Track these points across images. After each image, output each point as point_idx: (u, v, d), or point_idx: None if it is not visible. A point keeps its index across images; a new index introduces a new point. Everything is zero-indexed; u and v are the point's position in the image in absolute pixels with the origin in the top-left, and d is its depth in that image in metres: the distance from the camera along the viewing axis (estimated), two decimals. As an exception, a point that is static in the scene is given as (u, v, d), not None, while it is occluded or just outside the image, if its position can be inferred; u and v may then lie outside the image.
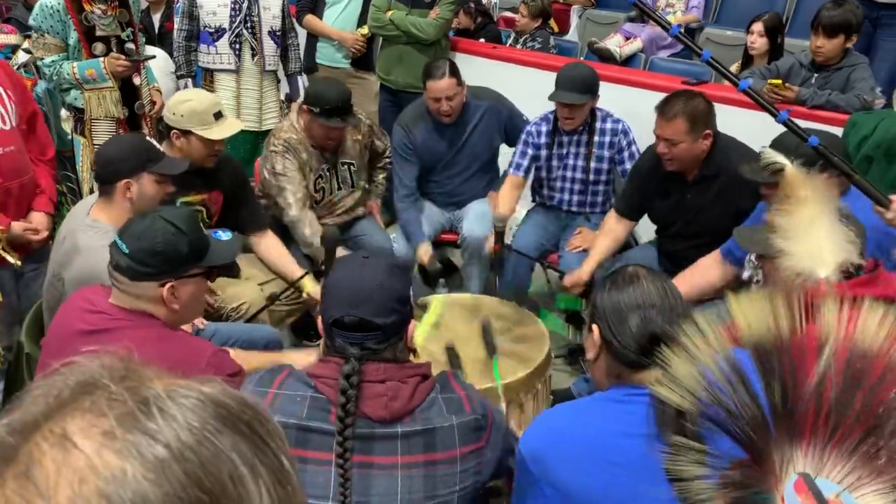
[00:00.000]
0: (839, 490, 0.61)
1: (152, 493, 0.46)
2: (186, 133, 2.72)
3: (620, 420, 1.39)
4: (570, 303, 3.48)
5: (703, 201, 2.90)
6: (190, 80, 3.77)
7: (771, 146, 2.39)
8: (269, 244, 2.99)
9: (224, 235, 2.02)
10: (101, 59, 3.16)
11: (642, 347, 1.39)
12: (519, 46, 4.88)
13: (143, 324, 1.77)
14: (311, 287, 2.82)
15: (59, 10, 3.10)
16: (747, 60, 4.29)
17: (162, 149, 2.67)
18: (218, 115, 2.77)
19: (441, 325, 2.56)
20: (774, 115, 2.08)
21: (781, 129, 2.43)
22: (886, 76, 3.92)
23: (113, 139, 2.86)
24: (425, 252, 3.40)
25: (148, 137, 2.98)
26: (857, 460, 0.63)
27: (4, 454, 0.48)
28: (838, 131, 3.22)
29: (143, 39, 3.53)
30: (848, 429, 0.64)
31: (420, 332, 2.15)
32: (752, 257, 2.58)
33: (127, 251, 1.76)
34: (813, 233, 1.29)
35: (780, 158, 1.74)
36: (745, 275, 2.57)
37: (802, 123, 2.47)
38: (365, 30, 4.18)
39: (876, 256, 1.86)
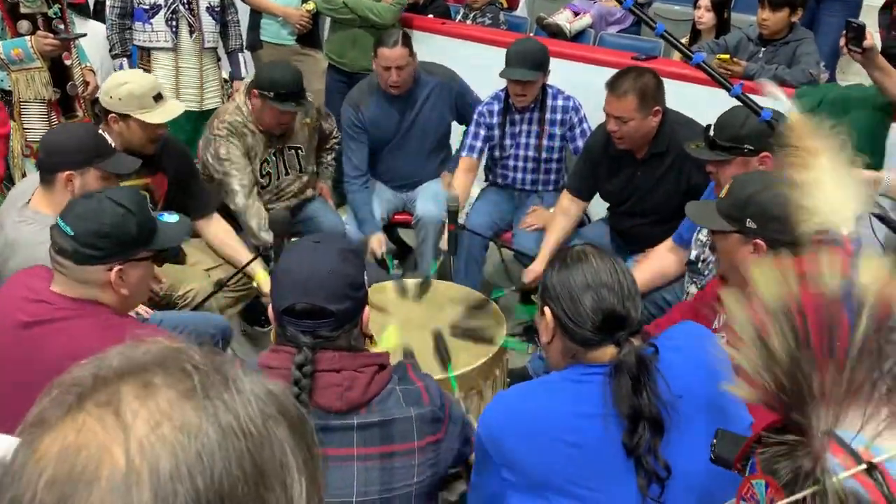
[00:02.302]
0: (868, 442, 0.65)
1: (218, 455, 0.49)
2: (125, 117, 2.60)
3: (577, 400, 1.38)
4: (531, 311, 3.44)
5: (653, 179, 2.90)
6: (125, 59, 3.61)
7: (719, 120, 2.39)
8: (216, 229, 2.89)
9: (170, 218, 1.93)
10: (28, 37, 2.99)
11: (596, 326, 1.38)
12: (469, 22, 4.81)
13: (89, 313, 1.68)
14: (262, 276, 2.74)
15: (-22, -14, 2.93)
16: (695, 35, 4.31)
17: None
18: (158, 98, 2.65)
19: (401, 317, 2.51)
20: (728, 89, 2.08)
21: (730, 103, 2.45)
22: (829, 51, 3.97)
23: (64, 128, 2.73)
24: (377, 241, 3.34)
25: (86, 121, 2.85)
26: (871, 407, 0.67)
27: (87, 389, 0.51)
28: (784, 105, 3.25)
29: (73, 16, 3.35)
30: (858, 378, 0.67)
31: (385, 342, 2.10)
32: (700, 235, 2.60)
33: (72, 233, 1.66)
34: (831, 186, 1.29)
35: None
36: (693, 254, 2.59)
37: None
38: (310, 5, 4.06)
39: None
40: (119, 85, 2.62)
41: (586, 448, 1.35)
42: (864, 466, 0.63)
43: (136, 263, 1.74)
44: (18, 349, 1.63)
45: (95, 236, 1.67)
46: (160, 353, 0.55)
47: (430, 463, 1.46)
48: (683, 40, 4.32)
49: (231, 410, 0.52)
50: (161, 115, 2.63)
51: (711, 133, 2.36)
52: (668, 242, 2.72)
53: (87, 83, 3.27)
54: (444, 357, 2.30)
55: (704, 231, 2.57)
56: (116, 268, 1.69)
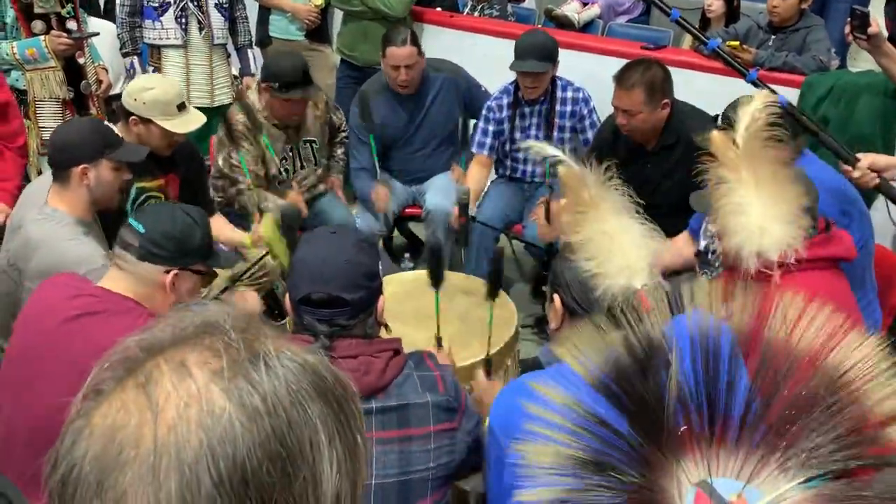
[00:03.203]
0: (741, 486, 0.57)
1: (241, 435, 0.51)
2: (147, 121, 2.63)
3: (587, 385, 1.39)
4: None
5: (662, 170, 2.90)
6: (136, 57, 3.64)
7: (726, 111, 2.39)
8: (217, 222, 2.94)
9: (224, 248, 2.03)
10: (42, 37, 3.02)
11: (606, 311, 1.39)
12: (476, 14, 4.81)
13: (133, 312, 1.73)
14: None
15: (-8, -13, 2.96)
16: (705, 24, 4.30)
17: (117, 131, 2.58)
18: (181, 107, 2.68)
19: (418, 306, 2.52)
20: (744, 75, 2.08)
21: (740, 92, 2.45)
22: (839, 37, 3.93)
23: (69, 123, 2.76)
24: (382, 190, 3.31)
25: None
26: (744, 447, 0.58)
27: (132, 365, 0.54)
28: (795, 92, 3.24)
29: (85, 15, 3.39)
30: (726, 420, 0.59)
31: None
32: (710, 226, 2.60)
33: (143, 231, 1.75)
34: (614, 244, 1.23)
35: (552, 151, 1.56)
36: (702, 244, 2.59)
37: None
38: (319, 1, 4.07)
39: (839, 221, 1.88)
40: (145, 89, 2.64)
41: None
42: None
43: (191, 275, 1.82)
44: (65, 340, 1.67)
45: (164, 237, 1.76)
46: (199, 328, 0.56)
47: (447, 450, 1.48)
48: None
49: (258, 391, 0.52)
50: (183, 124, 2.67)
51: (720, 121, 2.37)
52: (685, 235, 2.72)
53: (100, 81, 3.31)
54: (497, 278, 2.18)
55: (713, 222, 2.57)
56: (174, 272, 1.77)
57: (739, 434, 0.59)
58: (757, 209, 1.50)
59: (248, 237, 2.80)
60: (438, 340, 2.09)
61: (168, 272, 1.77)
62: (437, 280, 2.17)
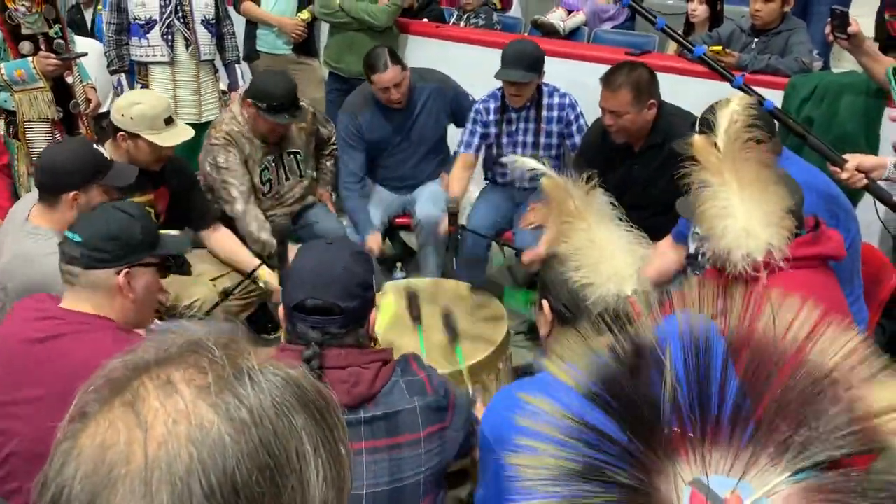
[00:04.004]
0: (734, 483, 0.58)
1: (230, 447, 0.52)
2: (135, 136, 2.64)
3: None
4: (520, 297, 3.46)
5: (650, 171, 2.93)
6: (124, 75, 3.65)
7: (703, 116, 2.41)
8: (220, 237, 2.93)
9: (171, 232, 2.00)
10: (30, 58, 3.03)
11: (594, 318, 1.41)
12: (462, 24, 4.84)
13: (99, 327, 1.71)
14: (269, 276, 2.77)
15: (-21, 10, 2.97)
16: (689, 29, 4.33)
17: (105, 148, 2.59)
18: (169, 121, 2.69)
19: (401, 314, 2.53)
20: (730, 80, 2.10)
21: (724, 96, 2.46)
22: (822, 39, 3.97)
23: (58, 146, 2.76)
24: (374, 241, 3.36)
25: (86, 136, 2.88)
26: (735, 445, 0.59)
27: (117, 385, 0.55)
28: (779, 94, 3.27)
29: (73, 35, 3.40)
30: (718, 419, 0.60)
31: (381, 322, 2.12)
32: (697, 230, 2.62)
33: (80, 240, 1.73)
34: (602, 252, 1.23)
35: (534, 164, 1.61)
36: (692, 247, 2.61)
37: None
38: (305, 14, 4.10)
39: (826, 220, 1.90)
40: (132, 104, 2.66)
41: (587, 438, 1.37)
42: None
43: (144, 269, 1.79)
44: (29, 365, 1.66)
45: (103, 240, 1.73)
46: (183, 348, 0.58)
47: (437, 451, 1.49)
48: (677, 34, 4.36)
49: (245, 404, 0.54)
50: (171, 138, 2.68)
51: (697, 128, 2.39)
52: (668, 239, 2.73)
53: (88, 101, 3.31)
54: (452, 330, 2.30)
55: (701, 225, 2.59)
56: (124, 270, 1.74)
57: (731, 432, 0.60)
58: (741, 212, 1.51)
59: (263, 271, 2.79)
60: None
61: (118, 273, 1.74)
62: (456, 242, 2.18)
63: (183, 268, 2.85)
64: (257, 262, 2.83)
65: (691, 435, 0.60)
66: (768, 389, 0.61)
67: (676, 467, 0.59)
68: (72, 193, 2.18)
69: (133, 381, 0.55)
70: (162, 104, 2.74)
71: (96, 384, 0.56)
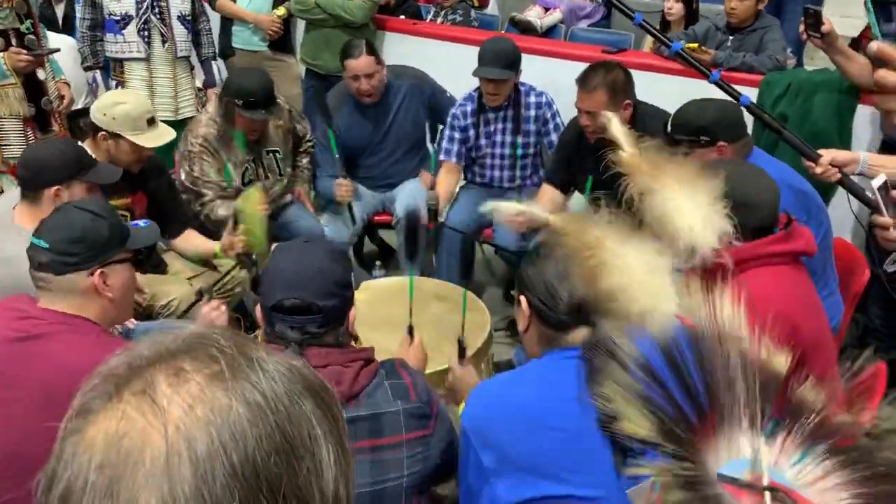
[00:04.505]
0: (766, 466, 0.61)
1: (248, 430, 0.53)
2: (116, 136, 2.61)
3: (556, 384, 1.42)
4: None
5: (627, 170, 2.94)
6: (99, 71, 3.60)
7: (674, 115, 2.43)
8: (188, 237, 2.92)
9: (142, 223, 1.97)
10: (1, 54, 2.98)
11: (570, 310, 1.43)
12: (439, 21, 4.84)
13: (78, 328, 1.68)
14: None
15: (-52, 4, 2.91)
16: (665, 27, 4.37)
17: (84, 146, 2.55)
18: (151, 122, 2.67)
19: (389, 314, 2.52)
20: (707, 76, 2.12)
21: (698, 94, 2.49)
22: (795, 37, 4.02)
23: (43, 144, 2.73)
24: (344, 187, 3.30)
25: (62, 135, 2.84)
26: (759, 434, 0.63)
27: (124, 379, 0.55)
28: (753, 91, 3.31)
29: (45, 31, 3.34)
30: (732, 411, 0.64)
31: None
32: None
33: (46, 245, 1.68)
34: (633, 276, 1.14)
35: (518, 208, 1.57)
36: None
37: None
38: (281, 11, 4.07)
39: (799, 217, 1.92)
40: (115, 104, 2.63)
41: (566, 431, 1.39)
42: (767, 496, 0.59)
43: (116, 266, 1.76)
44: (6, 366, 1.64)
45: (69, 243, 1.69)
46: (188, 340, 0.58)
47: (420, 457, 1.48)
48: (653, 32, 4.39)
49: (258, 389, 0.55)
50: (153, 139, 2.66)
51: (668, 129, 2.41)
52: None
53: (62, 97, 3.27)
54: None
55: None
56: (98, 271, 1.71)
57: (755, 423, 0.64)
58: (690, 208, 1.46)
59: (217, 246, 2.78)
60: (410, 329, 2.08)
61: (92, 274, 1.70)
62: (412, 251, 2.15)
63: (158, 264, 2.84)
64: (217, 244, 2.81)
65: (720, 422, 0.65)
66: (780, 386, 0.66)
67: (714, 447, 0.64)
68: (53, 189, 2.16)
69: (142, 373, 0.55)
70: (145, 105, 2.73)
71: (97, 382, 0.56)
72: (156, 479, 0.50)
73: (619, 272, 1.10)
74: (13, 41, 3.03)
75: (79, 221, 1.72)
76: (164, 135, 2.71)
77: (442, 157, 3.38)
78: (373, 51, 3.30)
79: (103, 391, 0.55)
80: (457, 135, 3.35)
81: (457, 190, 3.59)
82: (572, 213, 1.29)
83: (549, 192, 3.14)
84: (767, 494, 0.58)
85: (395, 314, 2.50)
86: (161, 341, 0.58)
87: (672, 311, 1.08)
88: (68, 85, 3.37)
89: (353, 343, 1.55)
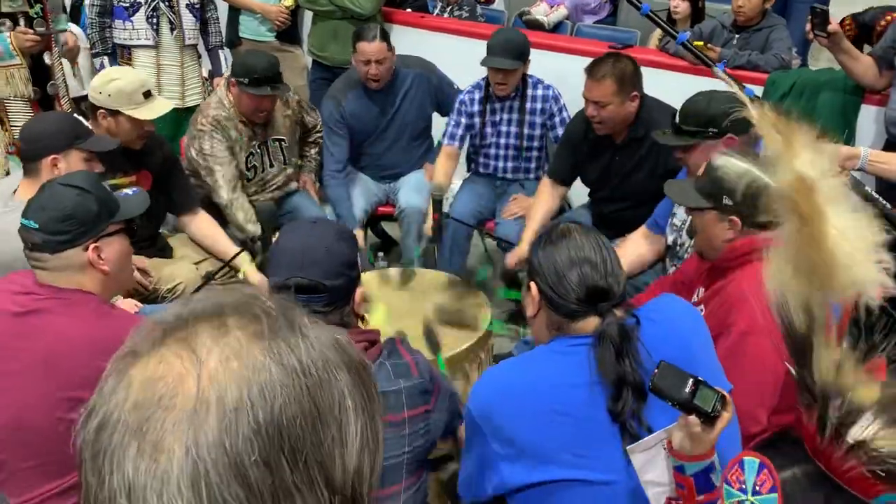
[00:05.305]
0: None
1: (279, 389, 0.54)
2: (114, 113, 2.62)
3: (564, 371, 1.43)
4: (511, 294, 3.47)
5: (631, 163, 2.96)
6: (106, 57, 3.61)
7: (683, 107, 2.44)
8: (200, 223, 2.92)
9: (130, 191, 1.96)
10: (7, 34, 2.99)
11: (580, 298, 1.43)
12: (446, 15, 4.85)
13: (78, 301, 1.69)
14: (248, 266, 2.76)
15: (-43, -14, 2.93)
16: (670, 25, 4.37)
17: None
18: (147, 95, 2.67)
19: (388, 305, 2.54)
20: (710, 66, 2.12)
21: (702, 89, 2.50)
22: (801, 37, 4.05)
23: (39, 116, 2.74)
24: (357, 237, 3.35)
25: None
26: None
27: (171, 327, 0.57)
28: (759, 90, 3.32)
29: (67, 19, 3.36)
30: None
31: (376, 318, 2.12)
32: (674, 220, 2.65)
33: (37, 226, 1.68)
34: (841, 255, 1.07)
35: (751, 170, 1.63)
36: (670, 240, 2.65)
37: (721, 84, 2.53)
38: (289, 1, 4.08)
39: None
40: (109, 81, 2.63)
41: (574, 416, 1.40)
42: None
43: (110, 239, 1.76)
44: (10, 338, 1.65)
45: (59, 221, 1.69)
46: (237, 299, 0.60)
47: (421, 433, 1.50)
48: (659, 31, 4.40)
49: (295, 353, 0.56)
50: (150, 111, 2.65)
51: (677, 120, 2.43)
52: (642, 229, 2.77)
53: (67, 43, 3.24)
54: (434, 346, 2.33)
55: (679, 216, 2.62)
56: (91, 245, 1.71)
57: None
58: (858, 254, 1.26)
59: (245, 261, 2.78)
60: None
61: (86, 249, 1.71)
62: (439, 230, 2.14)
63: (163, 247, 2.85)
64: (236, 249, 2.82)
65: None
66: None
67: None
68: (50, 157, 2.17)
69: (189, 324, 0.57)
70: (138, 78, 2.72)
71: (148, 327, 0.58)
72: (182, 424, 0.52)
73: (841, 239, 0.99)
74: (21, 23, 3.05)
75: (66, 198, 1.71)
76: (161, 106, 2.71)
77: (445, 140, 3.38)
78: (386, 37, 3.31)
79: (150, 336, 0.57)
80: (463, 119, 3.36)
81: (459, 181, 3.61)
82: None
83: (545, 187, 3.15)
84: None
85: (396, 305, 2.53)
86: (212, 297, 0.60)
87: (872, 296, 0.98)
88: (75, 35, 3.37)
89: (359, 323, 1.57)
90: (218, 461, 0.51)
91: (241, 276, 2.84)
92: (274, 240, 1.66)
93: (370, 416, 0.60)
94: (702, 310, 1.84)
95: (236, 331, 0.56)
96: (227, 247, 2.85)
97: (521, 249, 3.00)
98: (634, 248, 2.76)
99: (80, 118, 2.43)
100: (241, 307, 0.59)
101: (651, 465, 1.34)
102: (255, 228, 2.97)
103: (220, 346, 0.55)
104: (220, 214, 3.05)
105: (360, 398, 0.59)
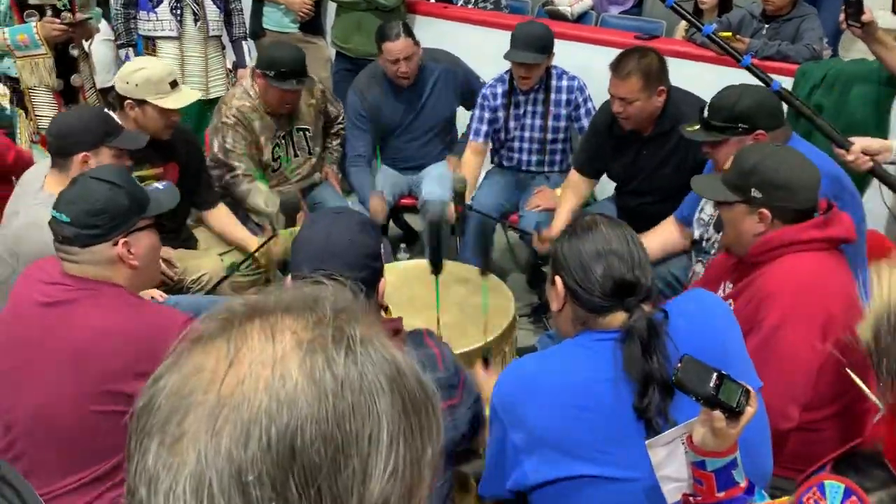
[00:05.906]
0: None
1: (302, 407, 0.51)
2: (141, 103, 2.63)
3: (589, 365, 1.41)
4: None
5: (659, 157, 2.91)
6: (131, 49, 3.63)
7: (712, 101, 2.40)
8: (218, 215, 2.94)
9: (160, 185, 1.96)
10: (34, 23, 3.02)
11: (606, 293, 1.41)
12: (470, 6, 4.82)
13: (106, 293, 1.70)
14: (285, 234, 2.77)
15: (-14, -23, 2.95)
16: (698, 14, 4.31)
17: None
18: (174, 84, 2.68)
19: (415, 297, 2.53)
20: (738, 60, 2.09)
21: (731, 81, 2.46)
22: (832, 27, 3.96)
23: (70, 111, 2.75)
24: (378, 203, 3.31)
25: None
26: None
27: (234, 317, 0.56)
28: (788, 81, 3.26)
29: (100, 14, 3.37)
30: None
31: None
32: (702, 215, 2.62)
33: (68, 220, 1.69)
34: None
35: None
36: (696, 234, 2.61)
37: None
38: (312, -8, 4.07)
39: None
40: (135, 70, 2.64)
41: (598, 412, 1.38)
42: None
43: (139, 234, 1.76)
44: (38, 329, 1.66)
45: (90, 216, 1.69)
46: (299, 299, 0.58)
47: (449, 426, 1.49)
48: (684, 22, 4.34)
49: (331, 369, 0.53)
50: (177, 100, 2.66)
51: (705, 114, 2.38)
52: (671, 218, 2.74)
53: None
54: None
55: (707, 210, 2.59)
56: (121, 240, 1.72)
57: None
58: None
59: (255, 244, 2.79)
60: (486, 359, 2.08)
61: (116, 244, 1.71)
62: (437, 263, 2.18)
63: (188, 238, 2.87)
64: (254, 238, 2.83)
65: None
66: None
67: None
68: (81, 154, 2.18)
69: (245, 320, 0.55)
70: (164, 68, 2.73)
71: (218, 314, 0.57)
72: (201, 425, 0.50)
73: None
74: (49, 14, 3.07)
75: (98, 193, 1.72)
76: (189, 96, 2.72)
77: (471, 137, 3.36)
78: (410, 32, 3.29)
79: (216, 324, 0.56)
80: (486, 115, 3.33)
81: (483, 173, 3.59)
82: None
83: (574, 178, 3.11)
84: None
85: (419, 295, 2.52)
86: (288, 293, 0.58)
87: None
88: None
89: (383, 314, 1.56)
90: (223, 473, 0.49)
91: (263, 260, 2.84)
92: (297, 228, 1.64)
93: (413, 448, 0.54)
94: (730, 304, 1.81)
95: (280, 336, 0.54)
96: (245, 237, 2.87)
97: (552, 229, 2.94)
98: (661, 235, 2.73)
99: (110, 112, 2.44)
100: (301, 312, 0.56)
101: (669, 459, 1.32)
102: (273, 209, 2.98)
103: (260, 349, 0.53)
104: (238, 209, 3.06)
105: (405, 429, 0.54)
